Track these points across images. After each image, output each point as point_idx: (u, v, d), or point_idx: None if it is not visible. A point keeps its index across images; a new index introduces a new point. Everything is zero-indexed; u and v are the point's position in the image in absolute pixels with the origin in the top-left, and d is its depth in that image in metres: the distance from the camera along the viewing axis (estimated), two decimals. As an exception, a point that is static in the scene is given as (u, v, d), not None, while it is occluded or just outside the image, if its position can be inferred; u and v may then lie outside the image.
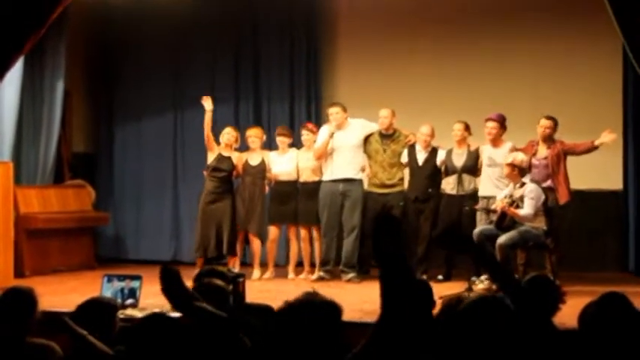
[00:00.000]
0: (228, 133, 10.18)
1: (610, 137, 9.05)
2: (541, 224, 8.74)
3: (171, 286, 4.21)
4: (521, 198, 8.65)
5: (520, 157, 8.86)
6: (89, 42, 12.60)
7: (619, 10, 7.37)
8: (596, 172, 10.50)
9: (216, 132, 10.21)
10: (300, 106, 11.69)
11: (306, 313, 3.47)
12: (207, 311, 4.20)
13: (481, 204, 9.32)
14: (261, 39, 11.90)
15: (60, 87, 11.36)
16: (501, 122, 9.43)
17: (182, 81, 12.17)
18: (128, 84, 12.39)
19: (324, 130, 10.08)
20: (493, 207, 8.91)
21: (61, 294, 8.32)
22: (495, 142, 9.43)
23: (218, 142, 10.14)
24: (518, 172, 8.79)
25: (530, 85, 10.81)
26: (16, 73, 10.21)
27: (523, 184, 8.73)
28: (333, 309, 3.54)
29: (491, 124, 9.40)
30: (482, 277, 8.82)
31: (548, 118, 9.33)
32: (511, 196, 8.70)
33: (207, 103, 10.05)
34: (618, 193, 10.63)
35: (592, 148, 9.12)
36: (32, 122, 11.27)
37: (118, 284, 7.29)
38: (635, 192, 10.46)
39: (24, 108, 11.05)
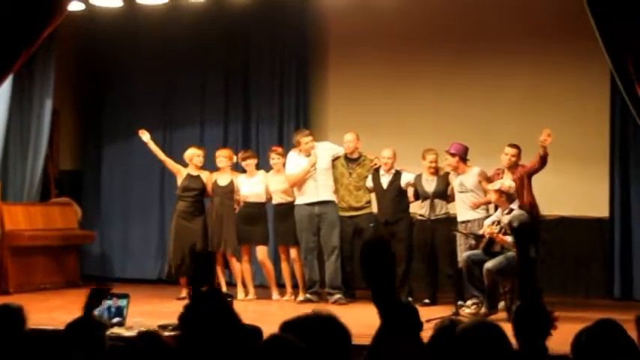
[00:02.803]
0: (192, 154, 10.31)
1: (545, 135, 8.89)
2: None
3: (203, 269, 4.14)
4: (509, 224, 8.64)
5: (507, 184, 8.86)
6: (78, 61, 12.61)
7: (608, 41, 7.51)
8: (583, 200, 10.57)
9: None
10: (289, 129, 11.68)
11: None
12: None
13: (461, 228, 9.34)
14: (252, 62, 11.95)
15: (48, 105, 11.35)
16: (461, 156, 9.46)
17: (171, 100, 12.19)
18: (117, 103, 12.38)
19: (294, 156, 10.06)
20: (480, 232, 8.92)
21: (45, 312, 8.27)
22: (460, 170, 9.48)
23: (183, 164, 10.31)
24: (506, 198, 8.79)
25: (517, 110, 10.84)
26: (4, 90, 10.22)
27: (511, 210, 8.73)
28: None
29: (450, 160, 9.49)
30: (469, 302, 8.83)
31: (513, 146, 9.33)
32: (499, 222, 8.70)
33: (144, 136, 10.27)
34: (604, 221, 10.65)
35: (543, 157, 9.00)
36: (20, 139, 11.25)
37: (105, 302, 7.24)
38: (621, 219, 10.50)
39: (12, 125, 11.05)
